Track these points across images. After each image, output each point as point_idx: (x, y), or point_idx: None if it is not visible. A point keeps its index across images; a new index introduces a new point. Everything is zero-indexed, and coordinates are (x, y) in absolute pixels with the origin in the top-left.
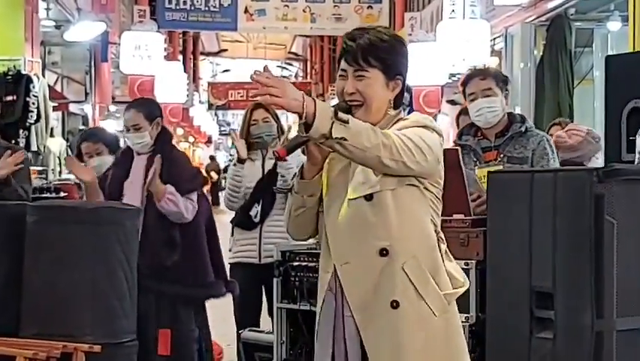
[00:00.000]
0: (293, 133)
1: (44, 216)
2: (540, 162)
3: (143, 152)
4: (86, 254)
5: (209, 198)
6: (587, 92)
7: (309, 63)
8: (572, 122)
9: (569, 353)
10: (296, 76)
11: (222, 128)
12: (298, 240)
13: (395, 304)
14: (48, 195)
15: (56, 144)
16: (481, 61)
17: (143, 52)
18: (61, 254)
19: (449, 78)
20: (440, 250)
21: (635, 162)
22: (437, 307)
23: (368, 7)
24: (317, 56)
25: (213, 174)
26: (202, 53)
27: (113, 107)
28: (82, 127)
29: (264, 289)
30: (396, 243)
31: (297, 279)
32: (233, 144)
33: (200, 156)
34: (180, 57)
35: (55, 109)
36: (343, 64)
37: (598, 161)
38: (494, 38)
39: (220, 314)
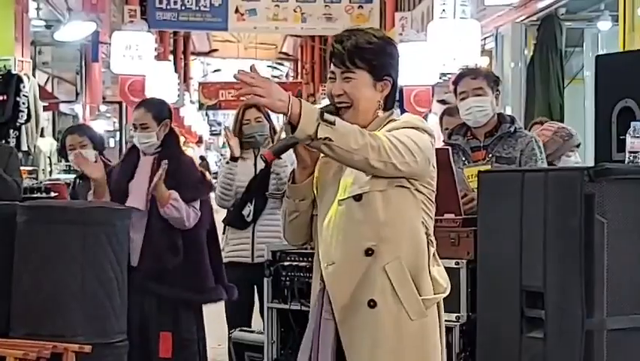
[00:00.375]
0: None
1: (34, 217)
2: (528, 162)
3: (149, 152)
4: (76, 254)
5: None
6: (577, 91)
7: (299, 63)
8: (563, 121)
9: (560, 353)
10: (287, 76)
11: (213, 129)
12: (295, 245)
13: (372, 304)
14: (38, 195)
15: (47, 144)
16: (472, 60)
17: (133, 52)
18: (51, 254)
19: (440, 78)
20: (428, 253)
21: (626, 162)
22: (414, 311)
23: (359, 7)
24: (308, 56)
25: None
26: (193, 53)
27: (103, 107)
28: None
29: (256, 289)
30: (382, 243)
31: (287, 279)
32: (224, 143)
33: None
34: (171, 57)
35: (45, 109)
36: (332, 66)
37: (570, 160)
38: (485, 38)
39: (211, 314)
